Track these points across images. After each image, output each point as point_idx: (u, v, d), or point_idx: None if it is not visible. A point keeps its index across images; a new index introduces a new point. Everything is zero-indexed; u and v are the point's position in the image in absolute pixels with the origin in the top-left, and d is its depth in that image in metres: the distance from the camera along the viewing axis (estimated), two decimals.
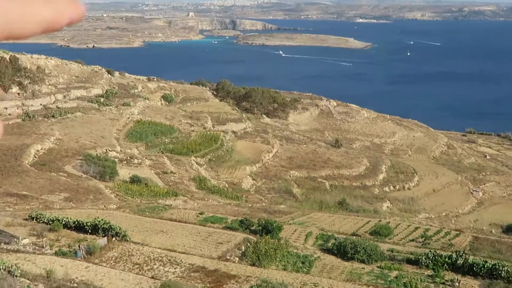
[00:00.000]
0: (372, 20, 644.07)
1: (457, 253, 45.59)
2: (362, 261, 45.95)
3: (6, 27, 0.63)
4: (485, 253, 48.50)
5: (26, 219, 49.19)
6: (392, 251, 48.49)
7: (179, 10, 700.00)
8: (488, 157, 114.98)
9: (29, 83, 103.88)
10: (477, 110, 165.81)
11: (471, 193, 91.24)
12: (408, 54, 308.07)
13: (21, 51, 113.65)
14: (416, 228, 56.60)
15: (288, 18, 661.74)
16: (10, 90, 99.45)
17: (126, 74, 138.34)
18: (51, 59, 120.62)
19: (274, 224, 51.75)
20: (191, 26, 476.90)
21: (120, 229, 46.19)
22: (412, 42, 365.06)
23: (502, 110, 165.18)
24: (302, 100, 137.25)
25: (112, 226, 46.19)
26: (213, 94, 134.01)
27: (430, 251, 46.60)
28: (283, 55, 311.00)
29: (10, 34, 0.63)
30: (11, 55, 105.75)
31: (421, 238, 53.05)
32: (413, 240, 53.13)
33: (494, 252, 49.15)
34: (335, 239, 50.59)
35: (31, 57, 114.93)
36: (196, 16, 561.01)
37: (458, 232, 55.99)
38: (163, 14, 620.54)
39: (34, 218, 48.87)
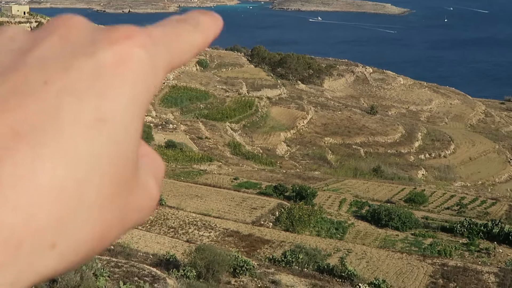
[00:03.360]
0: None
1: (493, 222, 45.19)
2: (396, 228, 45.85)
3: (171, 60, 0.64)
4: None
5: None
6: (426, 219, 48.27)
7: None
8: None
9: None
10: None
11: (509, 161, 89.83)
12: (446, 20, 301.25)
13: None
14: (452, 196, 56.13)
15: None
16: None
17: None
18: None
19: (308, 190, 51.83)
20: None
21: None
22: (451, 8, 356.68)
23: None
24: (337, 66, 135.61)
25: None
26: (248, 60, 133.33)
27: (465, 219, 46.26)
28: (321, 20, 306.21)
29: (172, 67, 0.65)
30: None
31: (457, 206, 52.66)
32: (448, 208, 52.75)
33: None
34: (369, 206, 50.50)
35: None
36: None
37: (494, 200, 55.38)
38: None
39: None
